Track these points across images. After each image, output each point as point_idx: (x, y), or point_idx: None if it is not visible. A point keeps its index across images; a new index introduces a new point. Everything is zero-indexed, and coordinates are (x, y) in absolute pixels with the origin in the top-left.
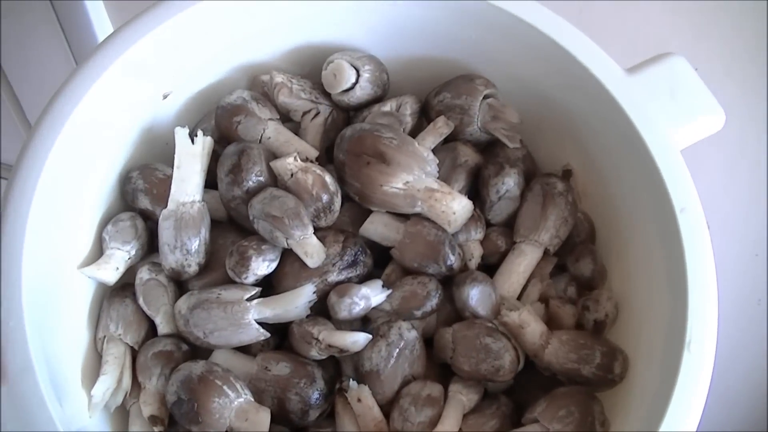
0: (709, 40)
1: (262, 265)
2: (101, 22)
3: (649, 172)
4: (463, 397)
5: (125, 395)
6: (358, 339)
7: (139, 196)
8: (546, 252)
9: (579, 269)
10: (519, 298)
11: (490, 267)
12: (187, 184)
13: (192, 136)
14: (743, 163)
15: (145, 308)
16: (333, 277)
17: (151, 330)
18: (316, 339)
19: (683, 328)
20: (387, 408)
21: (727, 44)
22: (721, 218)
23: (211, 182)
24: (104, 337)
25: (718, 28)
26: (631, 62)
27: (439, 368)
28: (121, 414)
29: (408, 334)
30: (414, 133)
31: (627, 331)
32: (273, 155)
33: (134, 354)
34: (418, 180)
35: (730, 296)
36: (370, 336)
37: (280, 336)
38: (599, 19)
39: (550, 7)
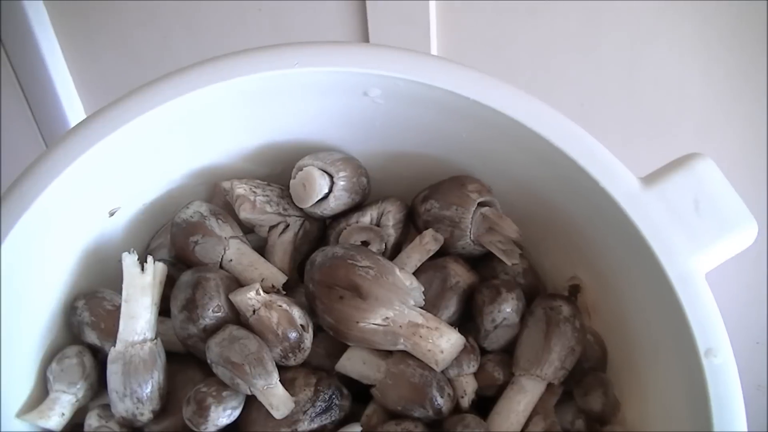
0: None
1: (222, 415)
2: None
3: (669, 303)
4: None
5: None
6: None
7: (85, 329)
8: (550, 384)
9: (588, 403)
10: None
11: (486, 399)
12: (137, 321)
13: (142, 261)
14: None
15: None
16: (304, 426)
17: None
18: None
19: None
20: None
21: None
22: (723, 305)
23: (167, 309)
24: None
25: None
26: (648, 159)
27: None
28: None
29: None
30: (399, 243)
31: None
32: (235, 281)
33: None
34: (399, 315)
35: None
36: None
37: None
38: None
39: (553, 99)
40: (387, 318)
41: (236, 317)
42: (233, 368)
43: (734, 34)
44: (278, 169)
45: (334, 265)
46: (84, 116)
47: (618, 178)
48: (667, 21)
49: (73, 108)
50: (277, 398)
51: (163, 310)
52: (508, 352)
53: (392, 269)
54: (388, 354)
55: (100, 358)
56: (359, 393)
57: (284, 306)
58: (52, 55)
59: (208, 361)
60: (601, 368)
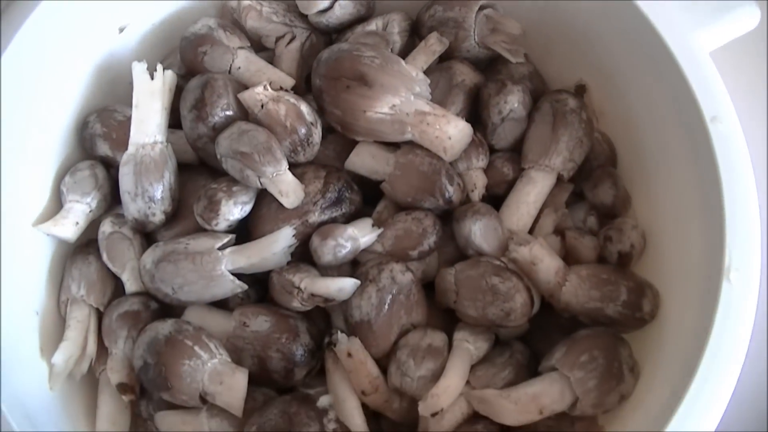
0: None
1: (234, 209)
2: None
3: (674, 79)
4: (470, 346)
5: (91, 362)
6: (344, 285)
7: (97, 141)
8: (560, 178)
9: (598, 196)
10: (531, 231)
11: (496, 198)
12: (147, 124)
13: (151, 71)
14: None
15: (109, 265)
16: (315, 217)
17: (119, 289)
18: (298, 288)
19: (721, 254)
20: (384, 362)
21: None
22: None
23: (177, 122)
24: (67, 299)
25: None
26: None
27: (443, 315)
28: (90, 383)
29: (402, 277)
30: (405, 53)
31: (656, 264)
32: (244, 87)
33: (100, 316)
34: (406, 103)
35: None
36: (358, 282)
37: (263, 288)
38: None
39: None
40: (394, 106)
41: (245, 116)
42: (243, 158)
43: None
44: None
45: (340, 57)
46: None
47: None
48: None
49: None
50: (286, 184)
51: (174, 123)
52: (517, 152)
53: (398, 59)
54: (396, 147)
55: (112, 174)
56: (369, 198)
57: (292, 100)
58: None
59: (218, 157)
60: (611, 166)
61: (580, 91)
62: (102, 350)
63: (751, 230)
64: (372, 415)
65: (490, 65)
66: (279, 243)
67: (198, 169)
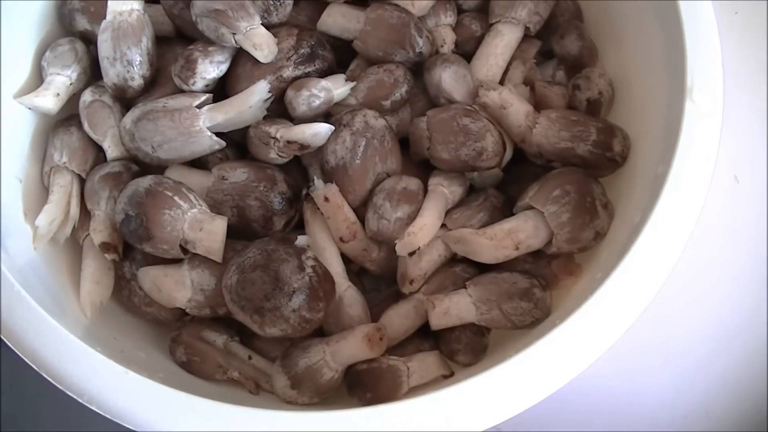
0: None
1: (210, 68)
2: None
3: None
4: (444, 189)
5: (74, 226)
6: (318, 130)
7: (76, 16)
8: (527, 32)
9: (565, 47)
10: (501, 83)
11: (466, 56)
12: None
13: None
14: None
15: (91, 133)
16: (289, 72)
17: (100, 158)
18: (274, 138)
19: (683, 77)
20: (362, 212)
21: None
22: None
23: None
24: (50, 169)
25: None
26: None
27: (420, 168)
28: (75, 250)
29: (375, 122)
30: None
31: (626, 114)
32: None
33: (83, 185)
34: None
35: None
36: (332, 127)
37: (241, 150)
38: None
39: None
40: None
41: None
42: (217, 15)
43: None
44: None
45: None
46: None
47: None
48: None
49: None
50: (260, 37)
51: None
52: (484, 12)
53: None
54: (366, 6)
55: (91, 50)
56: (342, 63)
57: None
58: None
59: (193, 18)
60: (577, 20)
61: None
62: (85, 217)
63: (711, 51)
64: (355, 274)
65: None
66: (254, 96)
67: (176, 41)
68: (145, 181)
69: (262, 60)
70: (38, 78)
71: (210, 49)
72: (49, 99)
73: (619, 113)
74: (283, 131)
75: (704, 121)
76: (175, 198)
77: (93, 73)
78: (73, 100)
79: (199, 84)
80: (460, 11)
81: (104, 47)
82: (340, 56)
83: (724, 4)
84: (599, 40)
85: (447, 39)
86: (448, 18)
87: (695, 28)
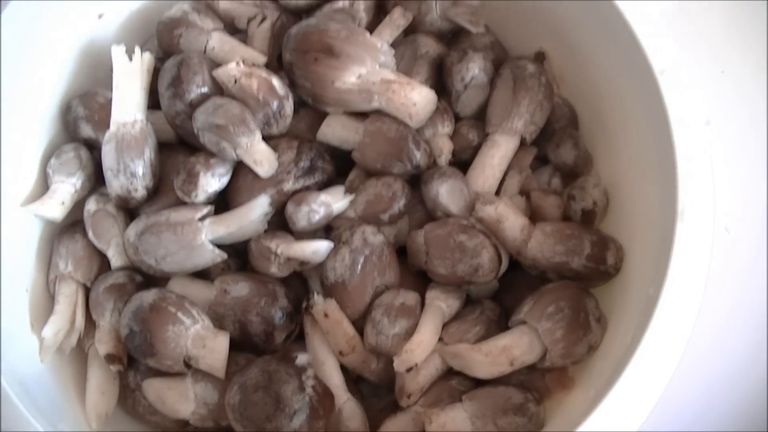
0: None
1: (211, 181)
2: None
3: (625, 37)
4: (441, 304)
5: (79, 336)
6: (318, 248)
7: (80, 124)
8: (523, 141)
9: (560, 156)
10: (497, 193)
11: (463, 164)
12: (127, 103)
13: (130, 53)
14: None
15: (95, 242)
16: (289, 185)
17: (105, 265)
18: (275, 253)
19: (674, 198)
20: (360, 324)
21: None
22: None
23: (156, 103)
24: (55, 277)
25: None
26: None
27: (416, 279)
28: (80, 357)
29: (373, 238)
30: (371, 30)
31: (619, 221)
32: (218, 66)
33: (88, 292)
34: (372, 72)
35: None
36: (332, 243)
37: (243, 259)
38: None
39: None
40: (360, 75)
41: (220, 93)
42: (218, 130)
43: None
44: None
45: (308, 31)
46: None
47: None
48: None
49: None
50: (260, 153)
51: (153, 104)
52: (481, 120)
53: (363, 31)
54: (364, 117)
55: (95, 155)
56: (341, 170)
57: (264, 75)
58: None
59: (195, 131)
60: (572, 128)
61: (539, 57)
62: (90, 325)
63: (702, 174)
64: (353, 381)
65: (454, 37)
66: (255, 211)
67: (177, 147)
68: (149, 296)
69: (262, 175)
70: (43, 183)
71: (211, 161)
72: (55, 207)
73: (612, 219)
74: (284, 247)
75: (695, 245)
76: (179, 314)
77: (97, 179)
78: (78, 204)
79: (201, 197)
80: (457, 118)
81: (108, 159)
82: (340, 163)
83: (712, 61)
84: (594, 146)
85: (444, 149)
86: (445, 128)
87: (687, 150)
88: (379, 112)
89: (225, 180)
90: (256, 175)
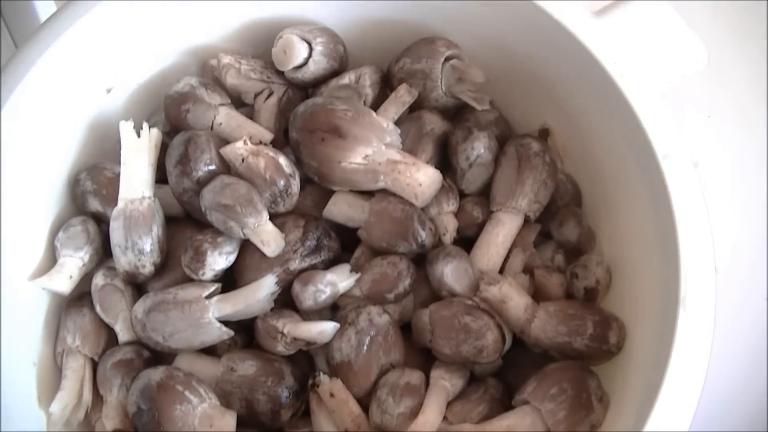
0: None
1: (219, 259)
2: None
3: (628, 119)
4: (446, 383)
5: (87, 410)
6: (324, 329)
7: (88, 198)
8: (527, 219)
9: (564, 234)
10: (501, 271)
11: (468, 240)
12: (135, 180)
13: (138, 129)
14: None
15: (103, 316)
16: (295, 264)
17: (112, 339)
18: (281, 333)
19: (677, 284)
20: (366, 401)
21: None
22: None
23: (164, 177)
24: (63, 350)
25: None
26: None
27: (421, 354)
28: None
29: (379, 319)
30: (377, 104)
31: (622, 298)
32: (225, 142)
33: (95, 366)
34: (378, 152)
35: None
36: (338, 324)
37: (249, 333)
38: None
39: None
40: (366, 156)
41: (227, 170)
42: (226, 210)
43: None
44: (261, 49)
45: (315, 111)
46: None
47: (571, 10)
48: None
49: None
50: (267, 234)
51: (161, 178)
52: (486, 196)
53: (369, 111)
54: (370, 195)
55: (103, 228)
56: (347, 244)
57: (271, 153)
58: None
59: (202, 209)
60: (575, 205)
61: (543, 134)
62: (97, 399)
63: (704, 262)
64: None
65: (459, 112)
66: (262, 290)
67: (184, 222)
68: (157, 374)
69: (269, 255)
70: (51, 256)
71: (219, 240)
72: (63, 282)
73: (615, 295)
74: (291, 327)
75: (697, 332)
76: (186, 393)
77: (105, 252)
78: (86, 276)
79: (208, 275)
80: (461, 195)
81: (116, 235)
82: (346, 237)
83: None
84: (597, 221)
85: (449, 227)
86: (450, 206)
87: (689, 235)
88: (384, 191)
89: (232, 258)
90: (263, 254)
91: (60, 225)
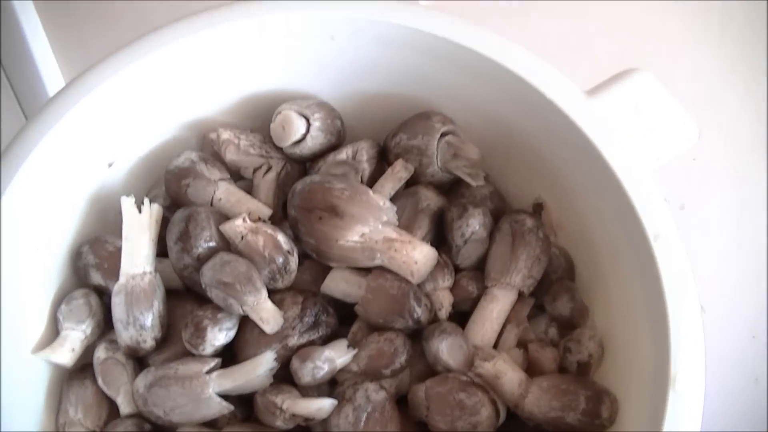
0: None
1: (219, 335)
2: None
3: (619, 199)
4: None
5: None
6: (322, 406)
7: (90, 271)
8: (521, 294)
9: (557, 309)
10: (496, 345)
11: (464, 314)
12: (136, 256)
13: (139, 204)
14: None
15: (105, 389)
16: (294, 341)
17: (114, 411)
18: (280, 408)
19: (667, 363)
20: None
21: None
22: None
23: (165, 250)
24: (65, 423)
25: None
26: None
27: (417, 427)
28: None
29: (376, 395)
30: (374, 179)
31: (614, 371)
32: (225, 217)
33: None
34: (374, 231)
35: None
36: (336, 401)
37: (249, 406)
38: (556, 36)
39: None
40: (363, 234)
41: (227, 247)
42: (225, 288)
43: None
44: (259, 122)
45: (312, 189)
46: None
47: (563, 89)
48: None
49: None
50: (266, 312)
51: (161, 252)
52: (481, 270)
53: (366, 190)
54: (367, 272)
55: (105, 300)
56: (344, 317)
57: (269, 231)
58: (35, 40)
59: (203, 286)
60: (569, 278)
61: (537, 209)
62: None
63: (694, 341)
64: None
65: (454, 186)
66: (262, 366)
67: (185, 296)
68: None
69: (268, 332)
70: (53, 328)
71: (219, 316)
72: (65, 355)
73: (608, 368)
74: (289, 403)
75: (686, 412)
76: None
77: (107, 324)
78: (88, 347)
79: (208, 350)
80: (457, 270)
81: (117, 310)
82: (344, 312)
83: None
84: (589, 293)
85: (444, 303)
86: (445, 282)
87: (679, 316)
88: (381, 268)
89: (231, 334)
90: (262, 330)
91: (62, 297)
